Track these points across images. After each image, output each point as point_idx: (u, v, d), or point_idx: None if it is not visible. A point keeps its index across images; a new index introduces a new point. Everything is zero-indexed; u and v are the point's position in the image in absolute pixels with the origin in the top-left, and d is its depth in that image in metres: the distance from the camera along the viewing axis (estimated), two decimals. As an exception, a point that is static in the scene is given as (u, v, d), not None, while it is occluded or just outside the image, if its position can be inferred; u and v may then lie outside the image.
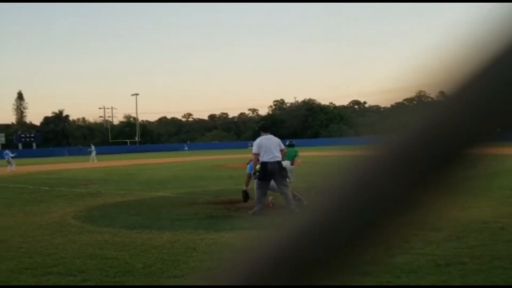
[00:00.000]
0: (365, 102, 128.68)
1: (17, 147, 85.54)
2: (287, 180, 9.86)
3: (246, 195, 10.26)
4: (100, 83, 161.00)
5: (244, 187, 10.34)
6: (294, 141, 13.58)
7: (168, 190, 14.83)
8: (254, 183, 10.04)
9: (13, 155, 32.62)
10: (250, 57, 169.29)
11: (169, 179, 19.42)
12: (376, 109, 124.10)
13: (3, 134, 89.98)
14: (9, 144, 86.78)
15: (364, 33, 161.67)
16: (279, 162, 9.51)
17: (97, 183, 18.44)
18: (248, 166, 10.53)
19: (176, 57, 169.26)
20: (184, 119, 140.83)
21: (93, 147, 46.83)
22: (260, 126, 10.25)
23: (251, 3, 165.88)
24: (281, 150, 9.76)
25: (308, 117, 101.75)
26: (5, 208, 11.69)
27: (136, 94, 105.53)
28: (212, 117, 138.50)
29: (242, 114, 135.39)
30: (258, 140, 9.76)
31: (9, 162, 31.51)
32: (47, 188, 17.00)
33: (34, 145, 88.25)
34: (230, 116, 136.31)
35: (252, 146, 10.44)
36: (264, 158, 9.47)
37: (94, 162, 39.95)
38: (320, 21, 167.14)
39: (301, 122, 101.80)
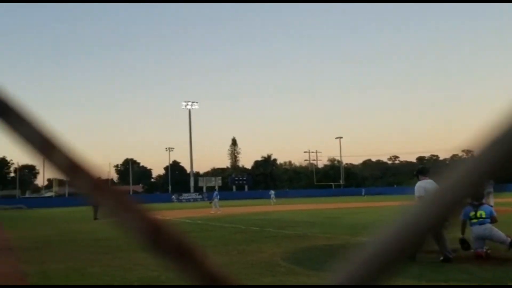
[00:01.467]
0: None
1: (232, 189, 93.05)
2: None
3: (464, 243, 9.48)
4: (305, 128, 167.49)
5: (461, 235, 9.59)
6: None
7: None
8: (470, 230, 9.33)
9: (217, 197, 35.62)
10: (465, 91, 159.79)
11: (375, 223, 18.90)
12: None
13: (219, 177, 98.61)
14: (225, 187, 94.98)
15: None
16: None
17: (303, 225, 18.82)
18: (464, 211, 9.76)
19: (379, 98, 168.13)
20: (389, 162, 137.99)
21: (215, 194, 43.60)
22: (419, 170, 10.08)
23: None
24: None
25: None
26: (221, 246, 12.56)
27: (340, 138, 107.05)
28: (420, 159, 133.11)
29: (455, 156, 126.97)
30: (422, 183, 9.61)
31: (215, 204, 34.21)
32: (257, 229, 17.90)
33: (246, 187, 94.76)
34: (441, 158, 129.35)
35: None
36: None
37: (216, 208, 35.16)
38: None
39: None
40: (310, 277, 7.84)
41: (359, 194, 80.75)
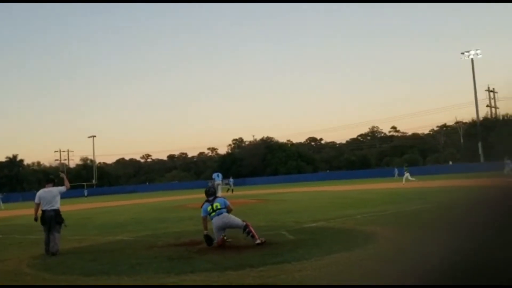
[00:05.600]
0: (321, 139, 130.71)
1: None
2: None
3: (208, 239, 10.23)
4: (55, 126, 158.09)
5: (205, 231, 10.36)
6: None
7: (127, 233, 14.52)
8: (211, 223, 10.22)
9: None
10: (207, 97, 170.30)
11: (128, 221, 19.04)
12: (332, 145, 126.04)
13: None
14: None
15: (316, 70, 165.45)
16: (55, 210, 11.52)
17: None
18: (202, 209, 10.65)
19: (133, 98, 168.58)
20: (142, 160, 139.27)
21: None
22: (47, 179, 12.27)
23: (210, 38, 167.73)
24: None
25: (267, 155, 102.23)
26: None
27: (93, 136, 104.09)
28: (171, 157, 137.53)
29: (201, 153, 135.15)
30: (38, 192, 11.90)
31: None
32: (0, 236, 16.40)
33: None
34: (190, 155, 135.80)
35: (211, 185, 10.91)
36: (44, 207, 11.55)
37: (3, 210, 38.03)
38: (273, 58, 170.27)
39: (260, 160, 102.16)
40: (59, 282, 7.60)
41: (114, 193, 79.74)
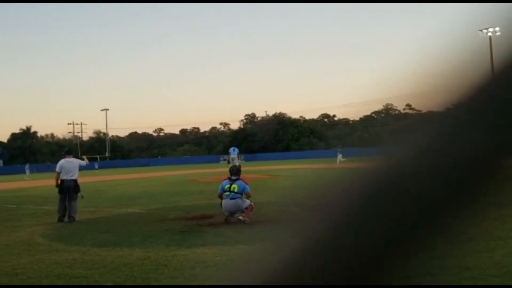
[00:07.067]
0: (334, 115, 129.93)
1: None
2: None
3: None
4: (69, 99, 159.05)
5: (220, 206, 10.33)
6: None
7: (139, 206, 14.63)
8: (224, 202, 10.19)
9: None
10: (221, 72, 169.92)
11: (140, 195, 19.19)
12: (345, 122, 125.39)
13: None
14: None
15: (332, 46, 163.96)
16: (74, 180, 12.26)
17: (66, 200, 18.02)
18: (221, 184, 10.52)
19: (147, 72, 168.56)
20: (155, 134, 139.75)
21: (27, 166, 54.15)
22: (65, 151, 13.07)
23: (224, 16, 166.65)
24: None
25: (278, 131, 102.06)
26: (-31, 228, 11.36)
27: (106, 110, 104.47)
28: (183, 131, 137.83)
29: (213, 128, 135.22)
30: (60, 162, 12.46)
31: None
32: (14, 206, 16.61)
33: (1, 162, 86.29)
34: (202, 130, 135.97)
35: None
36: (64, 177, 12.19)
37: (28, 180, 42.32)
38: (288, 34, 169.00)
39: (272, 135, 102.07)
40: (72, 252, 7.68)
41: (126, 166, 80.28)
